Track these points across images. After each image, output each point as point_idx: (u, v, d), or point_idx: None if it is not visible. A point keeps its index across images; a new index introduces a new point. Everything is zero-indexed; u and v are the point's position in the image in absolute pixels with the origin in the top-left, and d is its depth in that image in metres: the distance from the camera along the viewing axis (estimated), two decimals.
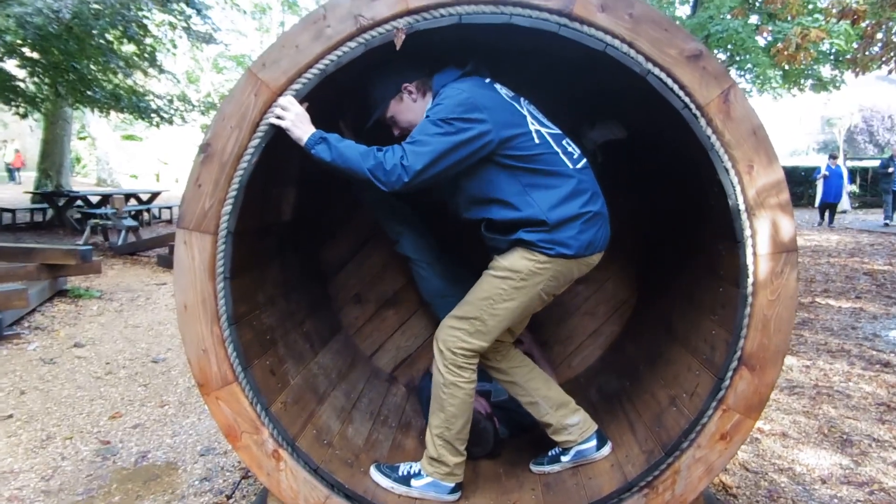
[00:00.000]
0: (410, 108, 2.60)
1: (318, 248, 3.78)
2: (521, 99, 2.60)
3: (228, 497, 3.11)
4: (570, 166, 2.49)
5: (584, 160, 2.58)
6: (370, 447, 2.95)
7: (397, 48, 2.37)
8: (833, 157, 19.06)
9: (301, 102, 2.41)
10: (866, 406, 4.41)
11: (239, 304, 2.52)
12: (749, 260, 2.35)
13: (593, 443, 2.74)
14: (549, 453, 2.84)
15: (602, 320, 3.79)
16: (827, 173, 17.71)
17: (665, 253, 3.50)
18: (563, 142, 2.56)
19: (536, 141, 2.45)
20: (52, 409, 4.21)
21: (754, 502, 3.11)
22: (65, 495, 3.15)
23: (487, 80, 2.56)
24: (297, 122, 2.38)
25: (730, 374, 2.38)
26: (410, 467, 2.69)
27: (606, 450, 2.75)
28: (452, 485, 2.64)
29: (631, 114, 3.24)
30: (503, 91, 2.54)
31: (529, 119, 2.49)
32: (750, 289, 2.35)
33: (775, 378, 2.38)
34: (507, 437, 3.21)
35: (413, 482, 2.64)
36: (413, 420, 3.37)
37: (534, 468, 2.84)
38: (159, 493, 3.18)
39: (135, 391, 4.63)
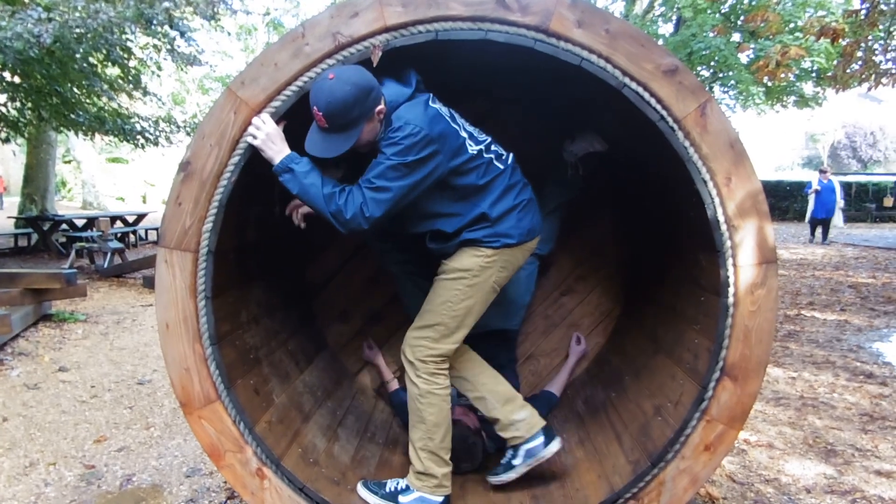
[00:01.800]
0: (375, 129, 2.46)
1: (303, 266, 3.77)
2: (455, 115, 2.62)
3: None
4: (502, 167, 2.60)
5: (512, 157, 2.69)
6: (357, 464, 2.93)
7: (374, 65, 2.39)
8: (823, 171, 18.20)
9: (279, 121, 2.42)
10: (850, 416, 4.43)
11: (221, 322, 2.51)
12: (730, 271, 2.37)
13: (541, 439, 2.74)
14: (502, 462, 2.84)
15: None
16: (818, 188, 17.03)
17: (648, 265, 3.53)
18: (491, 149, 2.63)
19: (476, 160, 2.53)
20: (35, 436, 4.16)
21: None
22: None
23: (429, 99, 2.54)
24: (270, 140, 2.38)
25: (712, 384, 2.40)
26: (398, 483, 2.68)
27: (555, 445, 2.75)
28: (441, 499, 2.63)
29: (611, 129, 3.28)
30: (443, 110, 2.55)
31: (468, 142, 2.53)
32: (731, 299, 2.37)
33: (758, 388, 2.40)
34: (494, 451, 3.20)
35: (401, 498, 2.63)
36: (401, 436, 3.35)
37: (490, 479, 2.85)
38: None
39: (120, 414, 4.58)
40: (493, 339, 3.39)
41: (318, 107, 2.31)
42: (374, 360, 3.74)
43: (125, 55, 10.91)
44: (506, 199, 2.57)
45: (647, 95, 2.38)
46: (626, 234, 3.77)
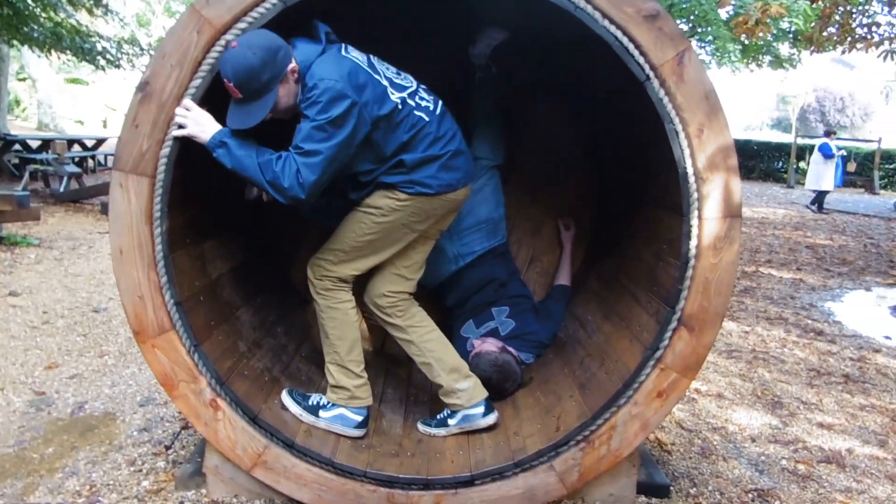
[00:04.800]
0: (291, 91, 2.38)
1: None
2: (374, 60, 2.52)
3: (167, 447, 3.06)
4: (427, 118, 2.54)
5: (441, 105, 2.64)
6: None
7: None
8: (831, 133, 16.27)
9: (202, 105, 2.33)
10: (798, 371, 4.57)
11: (182, 276, 2.45)
12: (694, 223, 2.37)
13: (481, 409, 2.80)
14: (438, 416, 2.91)
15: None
16: (843, 152, 14.88)
17: (615, 215, 3.52)
18: (418, 97, 2.56)
19: (400, 111, 2.46)
20: None
21: (687, 458, 3.20)
22: None
23: (341, 49, 2.44)
24: (198, 124, 2.31)
25: (668, 334, 2.42)
26: (320, 399, 2.75)
27: (492, 418, 2.80)
28: (360, 416, 2.71)
29: (587, 75, 3.23)
30: (360, 58, 2.45)
31: (389, 88, 2.45)
32: (693, 251, 2.37)
33: (713, 339, 2.43)
34: (532, 361, 3.28)
35: (321, 413, 2.70)
36: None
37: (420, 427, 2.90)
38: (96, 444, 3.11)
39: (73, 341, 4.50)
40: (486, 260, 3.44)
41: (228, 78, 2.25)
42: None
43: None
44: (430, 149, 2.53)
45: (625, 41, 2.32)
46: (597, 188, 3.77)
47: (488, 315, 3.41)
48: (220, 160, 2.33)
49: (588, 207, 3.82)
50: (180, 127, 2.31)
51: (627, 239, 3.16)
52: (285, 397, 2.73)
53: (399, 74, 2.58)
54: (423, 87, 2.63)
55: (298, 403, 2.71)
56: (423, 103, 2.56)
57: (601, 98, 3.38)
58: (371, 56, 2.53)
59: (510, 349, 3.18)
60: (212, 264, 2.80)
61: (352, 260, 2.67)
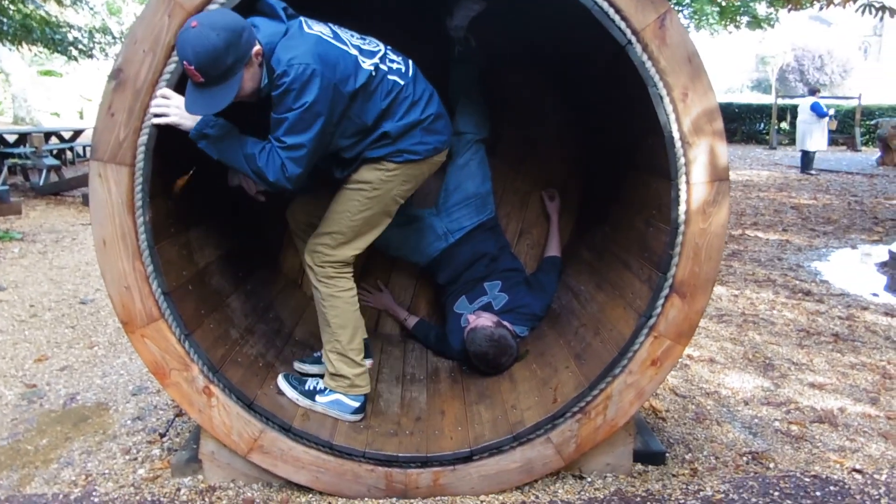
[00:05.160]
0: (256, 74, 2.27)
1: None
2: (336, 29, 2.41)
3: (162, 435, 3.05)
4: (402, 82, 2.48)
5: (412, 65, 2.58)
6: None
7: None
8: (815, 91, 15.64)
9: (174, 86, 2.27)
10: (788, 332, 4.60)
11: (170, 266, 2.42)
12: (682, 188, 2.36)
13: (358, 405, 2.73)
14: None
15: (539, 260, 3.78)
16: (833, 111, 14.30)
17: (602, 183, 3.50)
18: (389, 60, 2.49)
19: (375, 79, 2.40)
20: None
21: (682, 424, 3.23)
22: None
23: (302, 26, 2.32)
24: (178, 111, 2.25)
25: (661, 301, 2.42)
26: (317, 383, 2.74)
27: (357, 415, 2.73)
28: (357, 402, 2.70)
29: (567, 42, 3.18)
30: (324, 31, 2.33)
31: (360, 57, 2.37)
32: (682, 217, 2.37)
33: (705, 305, 2.43)
34: (527, 334, 3.29)
35: (318, 398, 2.69)
36: None
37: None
38: (90, 434, 3.09)
39: (62, 333, 4.46)
40: (476, 235, 3.44)
41: (188, 60, 2.10)
42: (383, 303, 3.67)
43: None
44: (410, 114, 2.48)
45: (605, 5, 2.29)
46: (583, 163, 3.75)
47: (481, 290, 3.40)
48: (206, 151, 2.29)
49: (575, 177, 3.80)
50: (160, 116, 2.25)
51: (617, 207, 3.15)
52: (281, 382, 2.72)
53: (364, 39, 2.48)
54: (389, 48, 2.56)
55: (294, 388, 2.70)
56: (395, 66, 2.50)
57: (583, 66, 3.35)
58: (332, 25, 2.42)
59: (505, 323, 3.17)
60: (199, 253, 2.76)
61: (351, 240, 2.62)
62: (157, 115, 2.26)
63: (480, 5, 3.13)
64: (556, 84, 3.70)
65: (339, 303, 2.65)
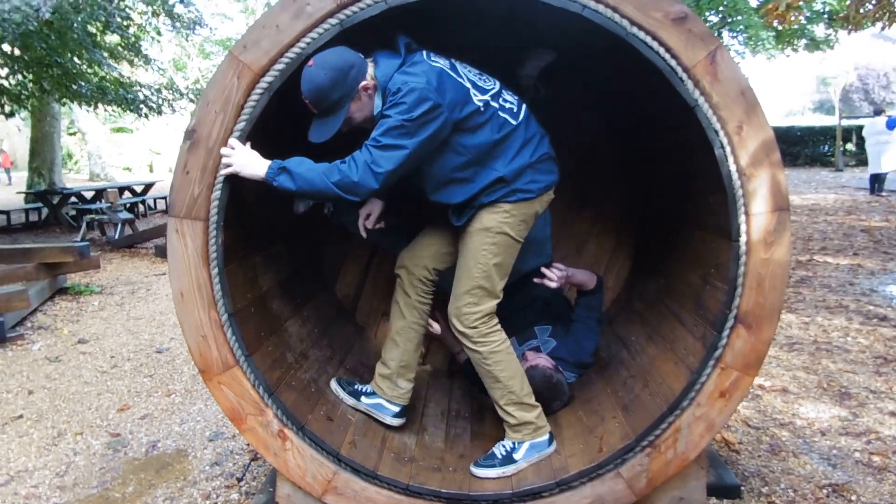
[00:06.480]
0: (366, 106, 2.47)
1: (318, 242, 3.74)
2: (456, 64, 2.55)
3: (239, 479, 3.15)
4: (514, 122, 2.54)
5: (524, 107, 2.63)
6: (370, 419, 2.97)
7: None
8: (880, 112, 15.04)
9: (244, 141, 2.40)
10: (864, 360, 4.45)
11: (237, 290, 2.53)
12: (742, 219, 2.36)
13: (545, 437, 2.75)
14: (355, 387, 3.01)
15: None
16: None
17: (663, 214, 3.49)
18: (501, 99, 2.56)
19: (484, 112, 2.47)
20: (60, 407, 4.24)
21: (756, 457, 3.15)
22: (80, 489, 3.18)
23: (422, 56, 2.48)
24: (245, 161, 2.37)
25: (726, 332, 2.40)
26: (366, 388, 2.97)
27: (553, 446, 2.75)
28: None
29: (615, 83, 3.22)
30: (442, 62, 2.49)
31: (472, 91, 2.47)
32: (744, 248, 2.36)
33: (772, 335, 2.40)
34: (574, 380, 3.26)
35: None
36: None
37: (332, 384, 3.01)
38: (171, 480, 3.21)
39: (141, 382, 4.65)
40: (532, 279, 3.40)
41: (304, 95, 2.39)
42: (441, 333, 3.60)
43: (124, 22, 10.80)
44: (522, 155, 2.53)
45: (655, 45, 2.33)
46: (643, 191, 3.74)
47: (531, 333, 3.39)
48: (283, 186, 2.36)
49: (629, 226, 3.81)
50: (228, 166, 2.38)
51: (671, 261, 3.15)
52: (334, 385, 2.94)
53: (482, 77, 2.59)
54: (506, 88, 2.64)
55: (343, 388, 2.94)
56: (507, 105, 2.57)
57: (639, 110, 3.37)
58: (453, 59, 2.57)
59: (560, 369, 3.16)
60: (262, 277, 2.88)
61: (491, 290, 2.64)
62: (225, 166, 2.39)
63: (550, 55, 3.19)
64: (614, 130, 3.71)
65: (501, 356, 2.67)
